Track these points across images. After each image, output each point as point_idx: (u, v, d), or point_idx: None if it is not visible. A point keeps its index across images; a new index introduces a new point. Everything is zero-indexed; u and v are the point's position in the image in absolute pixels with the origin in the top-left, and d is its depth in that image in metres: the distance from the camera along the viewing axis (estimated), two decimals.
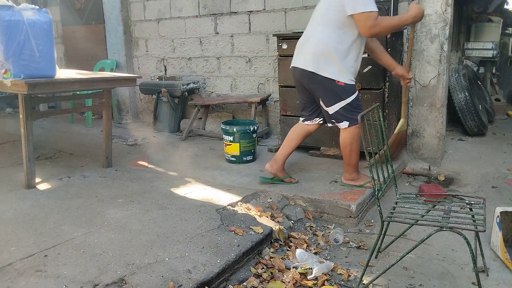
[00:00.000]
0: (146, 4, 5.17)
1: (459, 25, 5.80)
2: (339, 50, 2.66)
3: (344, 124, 2.78)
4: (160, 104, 4.80)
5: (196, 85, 4.78)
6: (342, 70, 2.68)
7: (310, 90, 2.83)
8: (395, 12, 3.44)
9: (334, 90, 2.71)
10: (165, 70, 5.18)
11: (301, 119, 3.05)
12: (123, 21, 5.29)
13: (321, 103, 2.81)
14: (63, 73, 3.19)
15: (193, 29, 4.85)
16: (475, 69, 5.66)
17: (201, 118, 4.65)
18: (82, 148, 4.10)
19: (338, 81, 2.68)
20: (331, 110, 2.77)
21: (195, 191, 2.91)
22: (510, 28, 8.11)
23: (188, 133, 4.49)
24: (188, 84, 4.68)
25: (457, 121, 4.38)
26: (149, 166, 3.54)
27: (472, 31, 6.09)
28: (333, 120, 2.82)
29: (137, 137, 4.51)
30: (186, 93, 4.69)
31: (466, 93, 4.31)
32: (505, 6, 7.77)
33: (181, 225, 2.34)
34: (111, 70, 5.24)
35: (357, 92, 2.78)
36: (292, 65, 2.89)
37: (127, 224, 2.37)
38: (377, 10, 2.59)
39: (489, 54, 5.87)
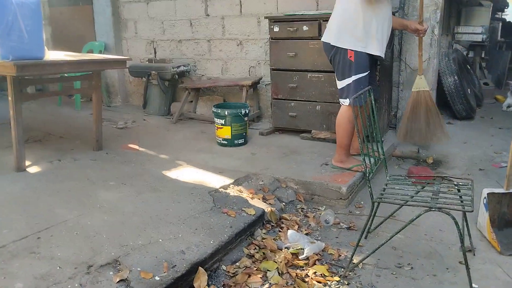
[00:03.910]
0: None
1: (449, 9, 5.81)
2: (354, 20, 2.68)
3: (346, 101, 2.80)
4: (150, 87, 4.76)
5: (186, 68, 4.75)
6: (356, 39, 2.69)
7: (331, 64, 2.88)
8: None
9: (346, 63, 2.73)
10: (155, 52, 5.12)
11: None
12: (111, 1, 5.19)
13: (335, 75, 2.85)
14: (52, 55, 3.14)
15: (183, 11, 4.78)
16: (464, 53, 5.70)
17: (191, 102, 4.63)
18: (72, 131, 4.06)
19: (350, 55, 2.70)
20: (340, 84, 2.80)
21: (187, 174, 2.92)
22: (499, 13, 8.16)
23: (179, 116, 4.47)
24: (178, 67, 4.64)
25: (446, 104, 4.43)
26: (140, 149, 3.53)
27: (462, 15, 6.10)
28: (339, 95, 2.86)
29: (127, 120, 4.48)
30: (177, 76, 4.65)
31: (456, 77, 4.35)
32: None
33: (173, 207, 2.35)
34: (100, 52, 5.16)
35: (367, 72, 2.77)
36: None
37: (120, 206, 2.37)
38: None
39: (479, 38, 5.90)
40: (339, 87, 2.84)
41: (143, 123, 4.43)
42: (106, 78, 5.37)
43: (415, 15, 3.50)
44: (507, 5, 8.58)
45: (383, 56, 2.79)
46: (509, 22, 9.38)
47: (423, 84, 3.24)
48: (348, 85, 2.76)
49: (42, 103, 5.26)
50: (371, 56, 2.74)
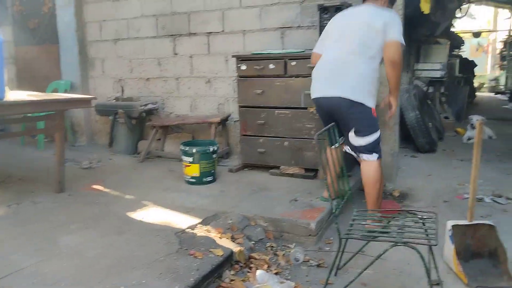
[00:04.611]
0: (102, 24, 5.10)
1: (409, 47, 6.11)
2: (375, 79, 2.72)
3: (373, 156, 2.72)
4: (116, 125, 4.69)
5: (154, 105, 4.73)
6: (375, 97, 2.74)
7: (344, 120, 2.74)
8: None
9: (371, 121, 2.70)
10: (122, 90, 5.09)
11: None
12: (78, 41, 5.18)
13: (353, 133, 2.73)
14: (14, 95, 3.06)
15: (151, 50, 4.82)
16: (424, 89, 5.95)
17: (159, 139, 4.58)
18: (33, 172, 3.92)
19: (373, 112, 2.70)
20: (365, 141, 2.70)
21: (154, 214, 2.84)
22: (456, 50, 8.65)
23: (146, 155, 4.40)
24: (146, 105, 4.62)
25: (409, 138, 4.57)
26: (105, 189, 3.42)
27: (421, 52, 6.44)
28: (360, 152, 2.74)
29: (92, 159, 4.37)
30: (144, 114, 4.62)
31: (417, 112, 4.52)
32: (452, 29, 8.31)
33: (138, 250, 2.27)
34: (66, 91, 5.08)
35: None
36: (322, 94, 2.77)
37: (82, 251, 2.27)
38: None
39: (438, 74, 6.21)
40: (363, 143, 2.71)
41: (109, 163, 4.34)
42: (71, 117, 5.27)
43: None
44: (463, 42, 9.14)
45: None
46: (466, 58, 9.95)
47: None
48: (376, 140, 2.72)
49: (3, 143, 5.08)
50: None
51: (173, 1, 4.58)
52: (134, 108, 4.54)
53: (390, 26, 2.65)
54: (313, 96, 2.87)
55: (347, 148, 2.81)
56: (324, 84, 2.78)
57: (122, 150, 4.70)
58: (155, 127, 4.44)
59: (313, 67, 3.28)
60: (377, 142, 2.73)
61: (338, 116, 2.74)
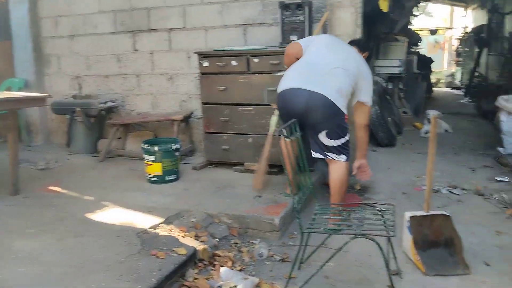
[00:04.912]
0: (58, 20, 4.90)
1: (368, 44, 6.23)
2: (347, 99, 2.77)
3: (341, 158, 2.74)
4: (74, 124, 4.53)
5: (114, 103, 4.60)
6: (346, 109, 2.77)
7: (316, 120, 2.69)
8: (310, 32, 3.61)
9: (344, 125, 2.73)
10: (80, 88, 4.93)
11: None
12: (33, 37, 4.96)
13: (324, 134, 2.70)
14: None
15: (110, 46, 4.68)
16: (384, 85, 6.10)
17: (120, 138, 4.47)
18: None
19: (346, 118, 2.74)
20: (336, 142, 2.71)
21: (114, 215, 2.77)
22: (414, 47, 8.93)
23: (106, 154, 4.28)
24: (105, 103, 4.49)
25: (370, 133, 4.67)
26: (63, 191, 3.31)
27: (380, 49, 6.59)
28: (329, 153, 2.73)
29: (48, 160, 4.21)
30: (104, 112, 4.49)
31: (377, 108, 4.64)
32: (410, 27, 8.57)
33: (98, 252, 2.20)
34: (19, 89, 4.86)
35: None
36: (304, 87, 2.69)
37: (39, 255, 2.19)
38: None
39: (396, 70, 6.38)
40: (334, 144, 2.72)
41: (66, 163, 4.19)
42: (26, 116, 5.04)
43: None
44: (420, 39, 9.46)
45: None
46: (423, 55, 10.29)
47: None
48: (345, 143, 2.74)
49: None
50: None
51: None
52: (93, 106, 4.40)
53: (366, 85, 2.83)
54: (290, 86, 2.75)
55: (313, 153, 2.81)
56: (307, 79, 2.72)
57: (81, 149, 4.55)
58: (115, 126, 4.32)
59: (277, 63, 3.30)
60: (346, 145, 2.77)
61: (311, 114, 2.67)
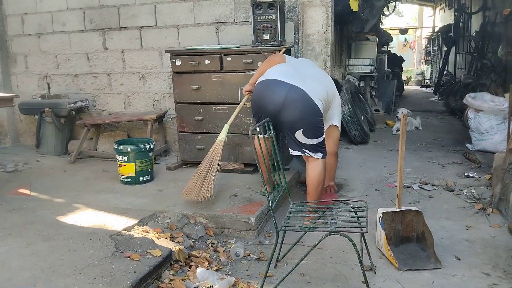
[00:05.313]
0: (24, 18, 4.74)
1: (340, 44, 6.33)
2: (325, 103, 2.82)
3: (318, 155, 2.75)
4: (43, 125, 4.40)
5: (84, 103, 4.50)
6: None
7: (294, 117, 2.66)
8: (282, 31, 3.62)
9: (320, 124, 2.74)
10: (49, 88, 4.79)
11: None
12: None
13: (301, 133, 2.68)
14: None
15: (79, 44, 4.57)
16: (356, 83, 6.21)
17: (92, 139, 4.37)
18: None
19: (323, 120, 2.79)
20: (312, 141, 2.70)
21: (86, 217, 2.70)
22: (385, 46, 9.11)
23: (78, 155, 4.18)
24: (75, 103, 4.38)
25: (343, 131, 4.74)
26: (32, 193, 3.20)
27: (352, 49, 6.70)
28: (306, 149, 2.73)
29: (17, 162, 4.07)
30: (74, 112, 4.38)
31: (349, 106, 4.70)
32: (380, 26, 8.74)
33: (69, 256, 2.15)
34: None
35: None
36: (286, 80, 2.68)
37: (6, 260, 2.12)
38: None
39: (368, 69, 6.50)
40: (311, 143, 2.71)
41: (36, 165, 4.06)
42: None
43: (308, 49, 3.74)
44: (391, 39, 9.66)
45: None
46: (394, 54, 10.52)
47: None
48: (321, 142, 2.75)
49: None
50: None
51: None
52: (62, 106, 4.28)
53: (338, 109, 3.08)
54: (271, 77, 2.75)
55: (291, 150, 2.82)
56: (291, 76, 2.73)
57: (51, 151, 4.43)
58: (86, 126, 4.22)
59: (250, 62, 3.30)
60: (322, 143, 2.79)
61: (289, 109, 2.65)
